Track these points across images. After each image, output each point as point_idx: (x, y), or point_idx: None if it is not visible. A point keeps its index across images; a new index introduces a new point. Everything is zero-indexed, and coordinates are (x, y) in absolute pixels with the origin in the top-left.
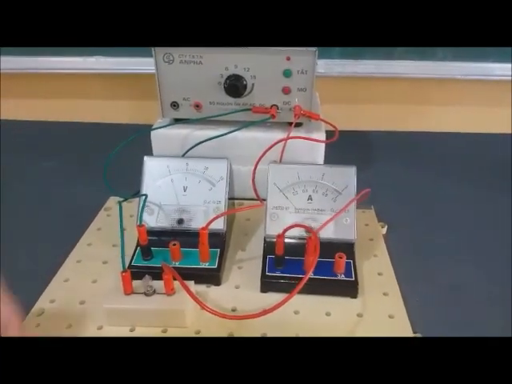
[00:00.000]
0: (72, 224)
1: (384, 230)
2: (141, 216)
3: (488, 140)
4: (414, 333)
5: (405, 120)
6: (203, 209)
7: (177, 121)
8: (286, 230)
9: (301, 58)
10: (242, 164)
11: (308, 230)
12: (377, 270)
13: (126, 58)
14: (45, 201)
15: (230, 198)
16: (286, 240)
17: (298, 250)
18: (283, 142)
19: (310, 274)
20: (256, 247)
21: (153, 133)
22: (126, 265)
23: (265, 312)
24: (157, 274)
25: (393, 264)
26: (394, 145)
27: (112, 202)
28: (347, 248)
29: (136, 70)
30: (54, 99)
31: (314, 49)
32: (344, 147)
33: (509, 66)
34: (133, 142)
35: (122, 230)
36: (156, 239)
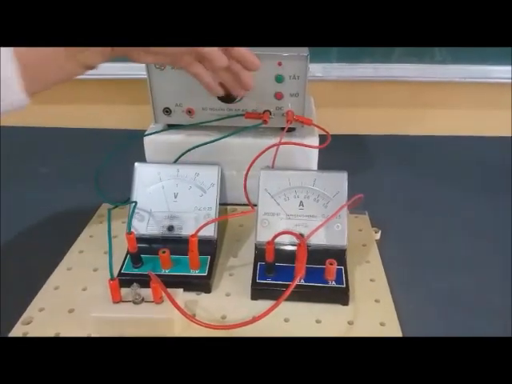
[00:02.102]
0: (66, 230)
1: (378, 236)
2: (129, 223)
3: (487, 143)
4: None
5: (403, 124)
6: (194, 215)
7: (170, 126)
8: (275, 237)
9: (292, 63)
10: (235, 169)
11: (297, 237)
12: (369, 276)
13: (119, 64)
14: (39, 207)
15: (223, 204)
16: (278, 247)
17: (289, 256)
18: (275, 147)
19: (301, 281)
20: (248, 254)
21: (145, 139)
22: (116, 272)
23: (253, 320)
24: (147, 282)
25: (386, 270)
26: (392, 149)
27: (105, 208)
28: (339, 254)
29: (130, 75)
30: (49, 105)
31: (305, 54)
32: (342, 151)
33: (508, 68)
34: (128, 148)
35: (111, 237)
36: (146, 246)
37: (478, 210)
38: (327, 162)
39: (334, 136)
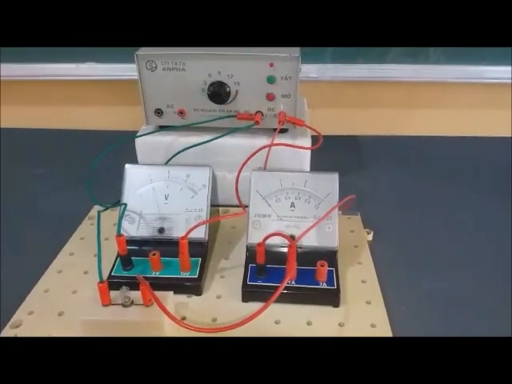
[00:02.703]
0: (58, 233)
1: (370, 237)
2: (119, 225)
3: (482, 143)
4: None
5: (398, 124)
6: (185, 217)
7: (161, 128)
8: (265, 239)
9: (284, 64)
10: (227, 171)
11: (287, 238)
12: (360, 277)
13: (113, 65)
14: (32, 208)
15: (215, 205)
16: (269, 248)
17: (280, 258)
18: (267, 148)
19: (292, 283)
20: (240, 256)
21: (137, 140)
22: (107, 275)
23: (242, 322)
24: (137, 284)
25: (378, 271)
26: (387, 149)
27: (96, 210)
28: (330, 256)
29: (122, 76)
30: (42, 106)
31: (297, 54)
32: (336, 152)
33: (504, 68)
34: (122, 149)
35: (100, 240)
36: (137, 248)
37: (475, 211)
38: (320, 163)
39: (328, 137)
